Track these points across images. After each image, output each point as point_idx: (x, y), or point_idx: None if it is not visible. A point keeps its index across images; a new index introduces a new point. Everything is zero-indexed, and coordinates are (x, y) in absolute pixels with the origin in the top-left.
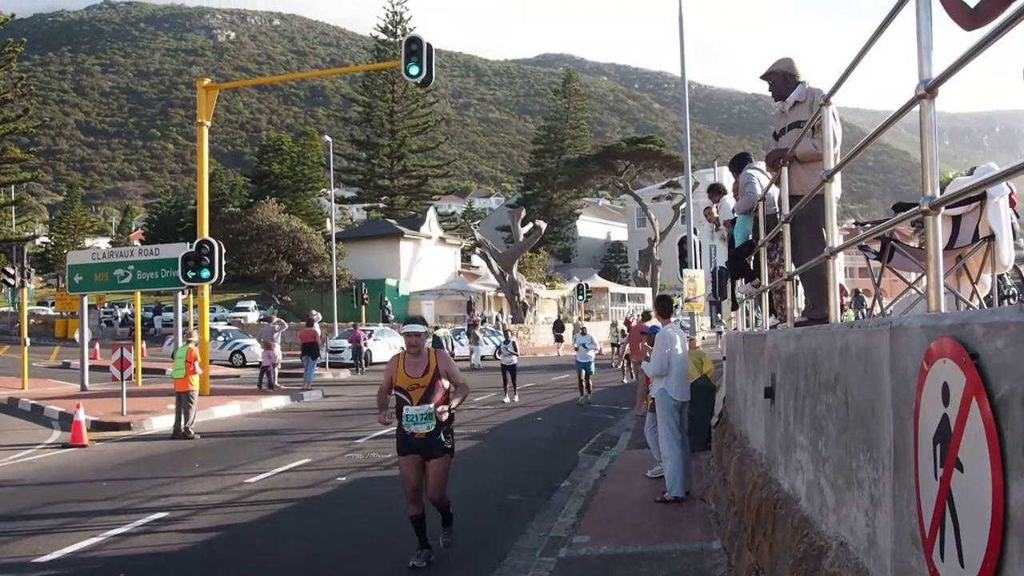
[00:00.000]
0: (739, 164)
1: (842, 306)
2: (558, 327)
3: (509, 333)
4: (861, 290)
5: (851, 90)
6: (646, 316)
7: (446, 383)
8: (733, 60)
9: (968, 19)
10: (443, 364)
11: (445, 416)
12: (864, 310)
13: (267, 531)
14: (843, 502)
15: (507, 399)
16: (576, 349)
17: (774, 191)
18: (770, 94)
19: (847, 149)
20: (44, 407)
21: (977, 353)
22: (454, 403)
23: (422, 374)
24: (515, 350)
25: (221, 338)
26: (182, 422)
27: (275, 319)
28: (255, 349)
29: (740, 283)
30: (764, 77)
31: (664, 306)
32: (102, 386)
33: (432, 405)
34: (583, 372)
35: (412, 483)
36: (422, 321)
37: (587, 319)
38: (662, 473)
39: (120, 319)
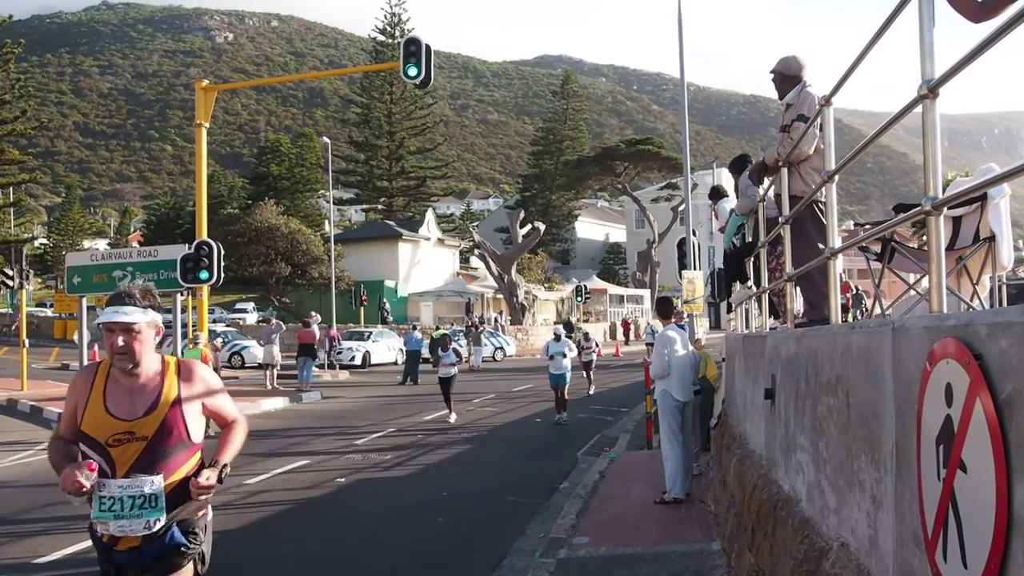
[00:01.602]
0: (740, 166)
1: (844, 306)
2: (568, 327)
3: (448, 337)
4: (860, 288)
5: (849, 91)
6: (679, 315)
7: (196, 427)
8: (730, 62)
9: (975, 12)
10: (193, 387)
11: (205, 494)
12: (864, 308)
13: (266, 533)
14: (844, 503)
15: (452, 416)
16: (551, 358)
17: (772, 193)
18: (775, 92)
19: (845, 151)
20: (43, 408)
21: (981, 353)
22: (226, 455)
23: (144, 412)
24: (456, 358)
25: (220, 339)
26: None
27: (274, 321)
28: (254, 350)
29: (736, 285)
30: (771, 74)
31: (664, 308)
32: None
33: (160, 477)
34: (557, 386)
35: None
36: (145, 297)
37: (586, 320)
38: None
39: None
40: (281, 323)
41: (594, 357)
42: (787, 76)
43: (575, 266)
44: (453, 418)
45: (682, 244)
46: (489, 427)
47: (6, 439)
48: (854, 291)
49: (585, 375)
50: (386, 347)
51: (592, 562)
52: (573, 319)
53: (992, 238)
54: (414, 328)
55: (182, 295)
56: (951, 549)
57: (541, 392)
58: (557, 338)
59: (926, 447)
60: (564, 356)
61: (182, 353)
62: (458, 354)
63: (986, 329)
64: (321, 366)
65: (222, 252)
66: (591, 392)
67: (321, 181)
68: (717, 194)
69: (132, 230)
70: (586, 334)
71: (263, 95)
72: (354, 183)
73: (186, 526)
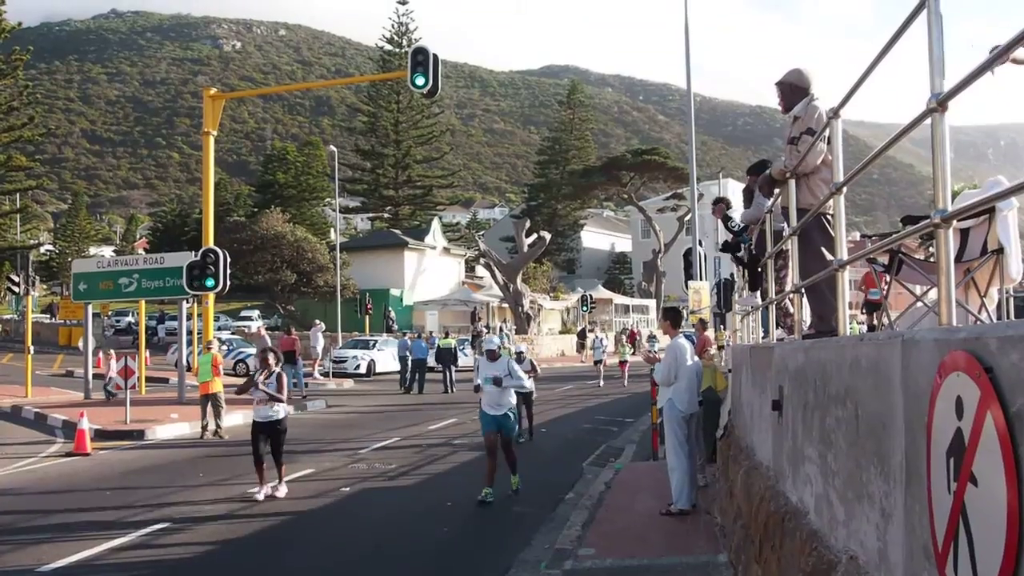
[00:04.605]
0: (759, 171)
1: (878, 303)
2: (582, 335)
3: (271, 355)
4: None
5: (855, 103)
6: (703, 324)
7: None
8: (735, 73)
9: None
10: None
11: None
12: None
13: (270, 542)
14: (853, 516)
15: (262, 492)
16: (494, 381)
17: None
18: (778, 104)
19: (851, 162)
20: (48, 415)
21: (992, 366)
22: None
23: None
24: (277, 391)
25: (225, 347)
26: (211, 423)
27: (262, 331)
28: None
29: (745, 292)
30: (777, 85)
31: (675, 317)
32: None
33: None
34: (500, 433)
35: None
36: None
37: (591, 330)
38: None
39: (124, 327)
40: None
41: (532, 384)
42: (797, 88)
43: (581, 275)
44: (282, 491)
45: (688, 254)
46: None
47: (11, 446)
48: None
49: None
50: (391, 356)
51: (598, 573)
52: (579, 326)
53: (1000, 250)
54: (419, 336)
55: (188, 302)
56: (962, 563)
57: (547, 401)
58: (493, 354)
59: (936, 460)
60: (503, 385)
61: (193, 358)
62: (279, 384)
63: (997, 342)
64: (309, 374)
65: (228, 260)
66: (522, 439)
67: (327, 189)
68: (722, 204)
69: (138, 237)
70: (519, 353)
71: (270, 103)
72: (360, 191)
73: None
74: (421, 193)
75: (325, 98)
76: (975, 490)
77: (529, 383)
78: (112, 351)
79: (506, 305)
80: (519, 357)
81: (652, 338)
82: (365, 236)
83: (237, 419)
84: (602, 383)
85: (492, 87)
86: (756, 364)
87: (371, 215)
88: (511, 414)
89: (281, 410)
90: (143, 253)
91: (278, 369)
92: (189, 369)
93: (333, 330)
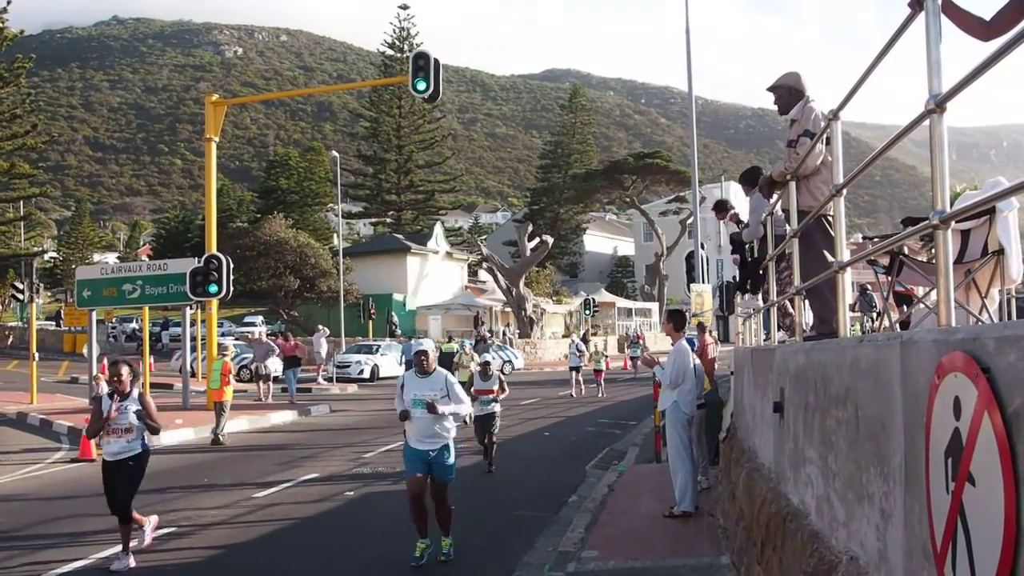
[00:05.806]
0: (751, 179)
1: (908, 294)
2: (584, 339)
3: (124, 369)
4: (870, 288)
5: (856, 104)
6: (701, 328)
7: None
8: (737, 76)
9: (983, 31)
10: None
11: None
12: (874, 314)
13: (275, 547)
14: (853, 516)
15: (127, 562)
16: (426, 407)
17: (779, 209)
18: (776, 108)
19: (852, 164)
20: (53, 422)
21: (989, 367)
22: None
23: None
24: (145, 418)
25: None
26: (215, 429)
27: (263, 336)
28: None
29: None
30: (771, 90)
31: (679, 320)
32: None
33: None
34: (429, 477)
35: None
36: None
37: (594, 333)
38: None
39: (128, 334)
40: (272, 342)
41: (496, 407)
42: (794, 90)
43: (583, 279)
44: (148, 540)
45: (691, 257)
46: (497, 440)
47: (16, 453)
48: (858, 292)
49: (484, 442)
50: (394, 360)
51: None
52: (577, 334)
53: (1001, 251)
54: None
55: (191, 308)
56: (960, 562)
57: (550, 404)
58: (422, 365)
59: (935, 460)
60: (436, 411)
61: (197, 364)
62: (146, 421)
63: (994, 343)
64: (312, 379)
65: (231, 266)
66: (490, 467)
67: (330, 195)
68: (723, 208)
69: (142, 244)
70: (485, 363)
71: (272, 109)
72: (363, 197)
73: None
74: (423, 198)
75: (327, 104)
76: (973, 490)
77: (469, 407)
78: (104, 362)
79: (509, 309)
80: (484, 370)
81: (637, 343)
82: (368, 241)
83: (242, 424)
84: (580, 392)
85: (494, 91)
86: (758, 366)
87: (373, 220)
88: (448, 451)
89: (139, 444)
90: (147, 260)
91: (137, 390)
92: (193, 375)
93: (336, 335)
